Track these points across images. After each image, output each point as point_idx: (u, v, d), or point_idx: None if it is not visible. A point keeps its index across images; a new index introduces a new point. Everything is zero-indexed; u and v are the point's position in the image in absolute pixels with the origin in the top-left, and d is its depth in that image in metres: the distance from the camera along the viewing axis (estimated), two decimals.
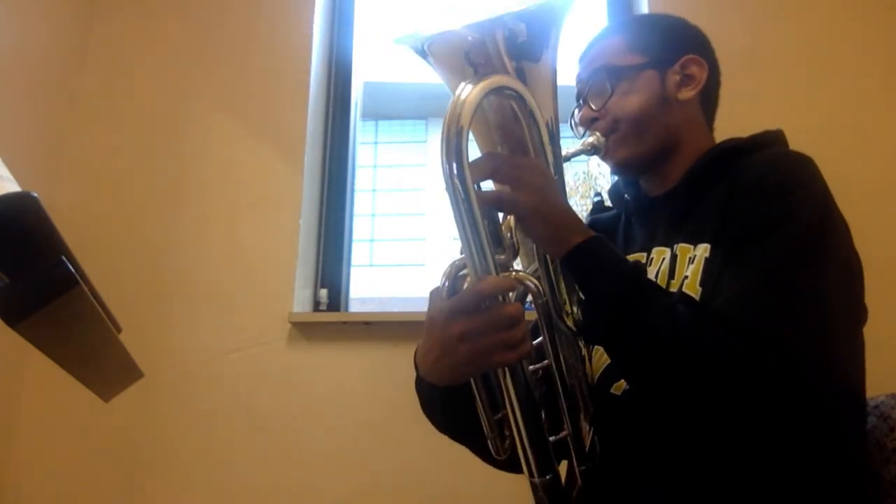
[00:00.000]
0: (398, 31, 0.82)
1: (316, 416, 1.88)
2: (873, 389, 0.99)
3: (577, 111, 1.00)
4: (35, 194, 0.44)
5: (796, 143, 0.90)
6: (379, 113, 5.41)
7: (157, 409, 1.90)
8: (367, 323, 1.95)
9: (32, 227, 0.44)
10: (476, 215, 0.66)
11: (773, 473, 0.76)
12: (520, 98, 0.72)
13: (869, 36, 2.04)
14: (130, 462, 1.90)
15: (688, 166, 0.94)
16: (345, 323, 1.97)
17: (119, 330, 0.51)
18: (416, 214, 5.57)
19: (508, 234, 0.76)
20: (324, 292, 2.10)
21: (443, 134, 0.65)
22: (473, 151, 0.69)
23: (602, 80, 0.96)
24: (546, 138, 0.76)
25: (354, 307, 2.19)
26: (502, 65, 0.73)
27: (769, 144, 0.92)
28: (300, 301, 2.00)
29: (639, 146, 0.95)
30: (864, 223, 1.81)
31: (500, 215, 0.77)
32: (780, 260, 0.75)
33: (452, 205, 0.66)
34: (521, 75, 0.74)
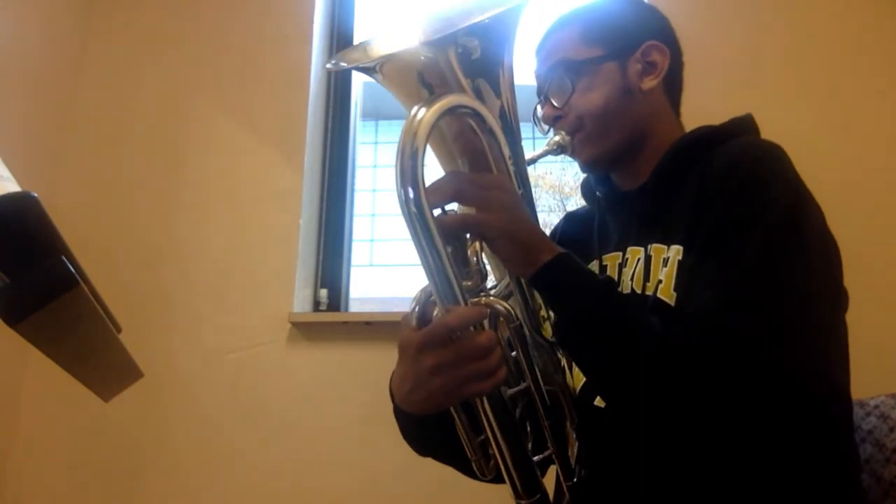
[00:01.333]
0: (347, 46, 0.81)
1: (316, 415, 1.88)
2: (873, 389, 0.99)
3: (538, 107, 0.97)
4: (35, 194, 0.44)
5: (790, 141, 0.88)
6: (379, 113, 5.41)
7: (157, 409, 1.90)
8: (367, 323, 1.95)
9: (32, 227, 0.44)
10: (437, 244, 0.63)
11: (759, 481, 0.74)
12: (477, 115, 0.70)
13: (861, 31, 2.03)
14: (130, 462, 1.90)
15: (657, 159, 0.91)
16: (345, 323, 1.97)
17: (119, 330, 0.51)
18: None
19: (474, 259, 0.73)
20: (324, 292, 2.10)
21: (396, 158, 0.62)
22: (434, 171, 0.67)
23: (561, 76, 0.93)
24: (507, 151, 0.74)
25: (354, 307, 2.19)
26: (458, 83, 0.71)
27: (738, 132, 0.89)
28: (300, 301, 2.00)
29: (606, 142, 0.93)
30: (862, 223, 1.81)
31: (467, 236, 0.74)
32: (754, 260, 0.73)
33: (411, 233, 0.63)
34: (476, 89, 0.72)
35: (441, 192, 0.68)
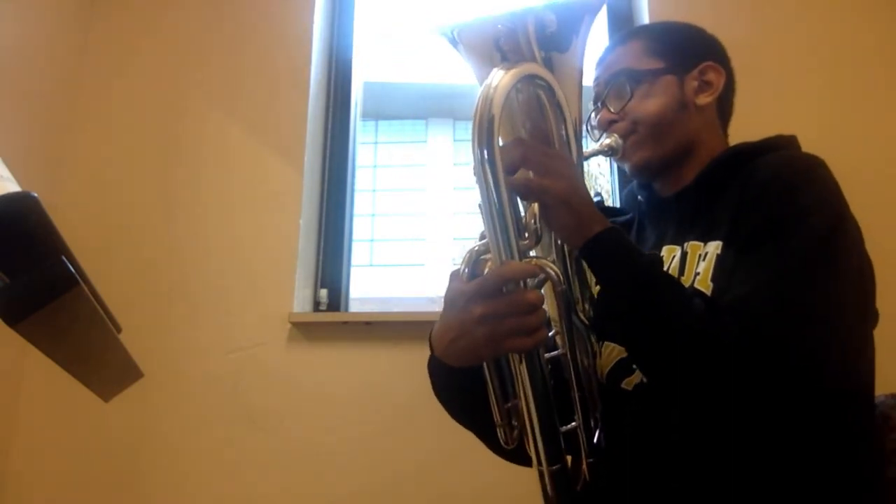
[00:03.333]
0: (414, 26, 0.83)
1: (316, 416, 1.88)
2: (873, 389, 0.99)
3: (594, 114, 1.01)
4: (35, 194, 0.44)
5: (807, 145, 0.91)
6: (379, 113, 5.40)
7: (156, 409, 1.90)
8: (367, 323, 1.95)
9: (32, 227, 0.44)
10: (504, 201, 0.67)
11: (781, 472, 0.76)
12: (549, 88, 0.73)
13: (881, 37, 2.03)
14: (130, 462, 1.90)
15: (701, 168, 0.95)
16: (345, 323, 1.97)
17: (119, 330, 0.51)
18: (416, 214, 5.57)
19: (532, 221, 0.76)
20: (324, 292, 2.10)
21: (474, 119, 0.66)
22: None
23: (622, 83, 0.97)
24: (571, 131, 0.77)
25: (354, 307, 2.19)
26: (532, 54, 0.74)
27: (782, 147, 0.93)
28: (300, 301, 2.00)
29: (656, 149, 0.96)
30: (871, 224, 1.81)
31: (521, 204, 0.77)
32: (793, 261, 0.75)
33: (481, 190, 0.67)
34: (548, 66, 0.75)
35: (509, 156, 0.71)
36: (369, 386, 1.89)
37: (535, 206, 0.76)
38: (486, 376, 0.77)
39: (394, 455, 1.80)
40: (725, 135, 1.04)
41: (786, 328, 0.70)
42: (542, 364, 0.74)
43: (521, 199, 0.76)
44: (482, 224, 0.70)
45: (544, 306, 0.71)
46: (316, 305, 2.09)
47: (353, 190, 2.27)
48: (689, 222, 0.92)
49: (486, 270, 0.72)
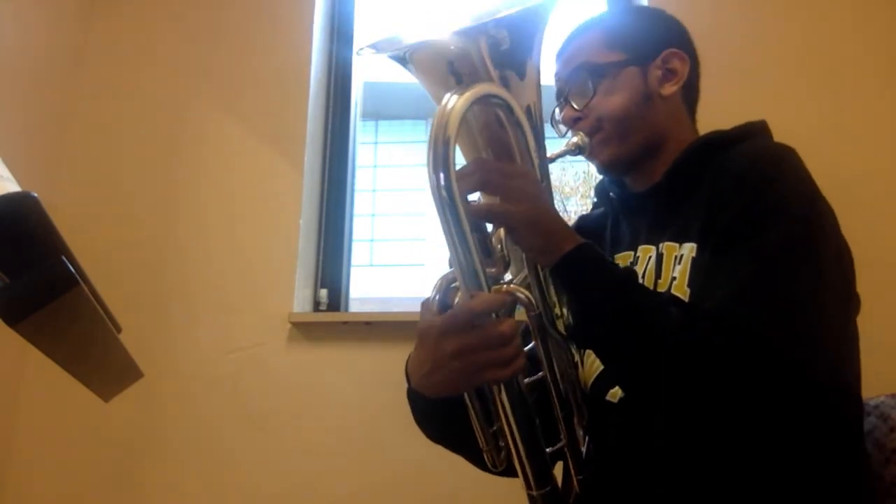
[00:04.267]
0: (377, 35, 0.82)
1: (316, 416, 1.88)
2: (873, 389, 0.99)
3: (558, 110, 0.99)
4: (35, 194, 0.44)
5: (794, 140, 0.89)
6: (379, 113, 5.40)
7: (156, 409, 1.90)
8: (367, 323, 1.95)
9: (32, 227, 0.44)
10: (465, 229, 0.65)
11: (770, 477, 0.75)
12: (506, 106, 0.71)
13: (868, 34, 2.03)
14: (130, 462, 1.90)
15: (671, 162, 0.92)
16: (345, 323, 1.97)
17: (119, 330, 0.51)
18: (416, 214, 5.57)
19: (499, 246, 0.74)
20: (324, 292, 2.10)
21: (429, 144, 0.64)
22: (459, 160, 0.68)
23: (583, 78, 0.94)
24: (532, 144, 0.75)
25: (354, 307, 2.19)
26: (487, 73, 0.72)
27: (752, 136, 0.91)
28: (300, 301, 2.00)
29: (624, 145, 0.94)
30: (865, 223, 1.81)
31: (489, 226, 0.75)
32: (771, 258, 0.73)
33: (440, 218, 0.65)
34: (504, 81, 0.73)
35: (467, 180, 0.69)
36: (369, 386, 1.89)
37: (501, 231, 0.74)
38: (467, 401, 0.76)
39: (394, 455, 1.80)
40: (693, 121, 1.01)
41: (770, 329, 0.69)
42: (523, 390, 0.73)
43: (486, 223, 0.74)
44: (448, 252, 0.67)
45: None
46: (316, 305, 2.09)
47: (353, 190, 2.26)
48: (662, 220, 0.90)
49: (456, 299, 0.70)
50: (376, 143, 5.77)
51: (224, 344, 1.94)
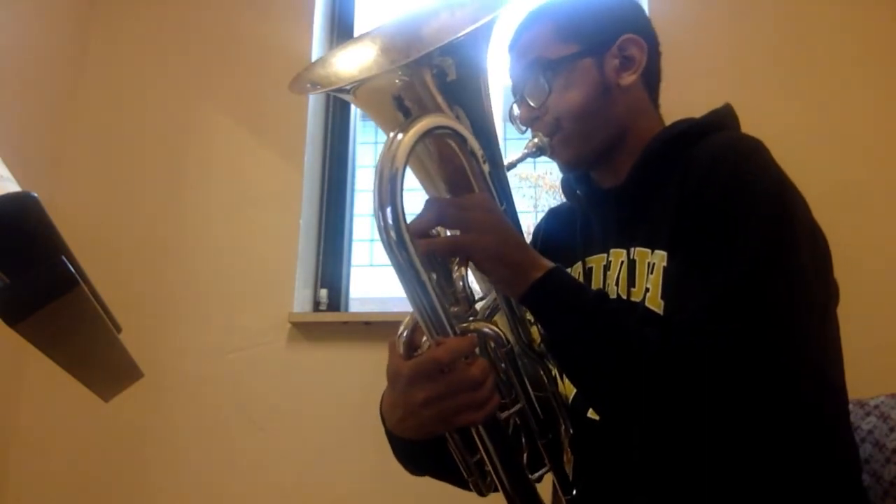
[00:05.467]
0: (307, 71, 0.78)
1: (316, 416, 1.88)
2: (873, 389, 0.99)
3: (515, 106, 0.94)
4: (35, 194, 0.44)
5: (779, 140, 0.87)
6: None
7: (157, 409, 1.90)
8: (367, 323, 1.95)
9: (32, 227, 0.44)
10: (420, 272, 0.61)
11: (757, 482, 0.74)
12: (456, 135, 0.68)
13: (854, 30, 2.02)
14: (130, 462, 1.90)
15: (637, 154, 0.88)
16: (345, 323, 1.97)
17: (119, 330, 0.51)
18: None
19: (461, 284, 0.71)
20: (324, 292, 2.10)
21: (374, 183, 0.60)
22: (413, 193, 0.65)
23: (537, 76, 0.89)
24: (487, 169, 0.72)
25: (354, 307, 2.19)
26: (433, 102, 0.70)
27: (718, 126, 0.87)
28: (300, 301, 2.00)
29: (585, 143, 0.90)
30: (863, 224, 1.81)
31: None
32: (744, 261, 0.71)
33: (391, 260, 0.61)
34: (455, 102, 0.71)
35: (424, 220, 0.68)
36: (369, 386, 1.87)
37: (461, 268, 0.71)
38: (447, 436, 0.74)
39: (393, 455, 1.80)
40: (656, 107, 0.96)
41: (748, 338, 0.67)
42: (501, 425, 0.71)
43: (447, 258, 0.71)
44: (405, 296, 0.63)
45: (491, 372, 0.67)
46: (316, 305, 2.09)
47: (353, 190, 2.26)
48: (631, 219, 0.87)
49: (423, 341, 0.68)
50: (376, 143, 5.76)
51: (224, 344, 1.94)
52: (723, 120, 0.89)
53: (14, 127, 1.93)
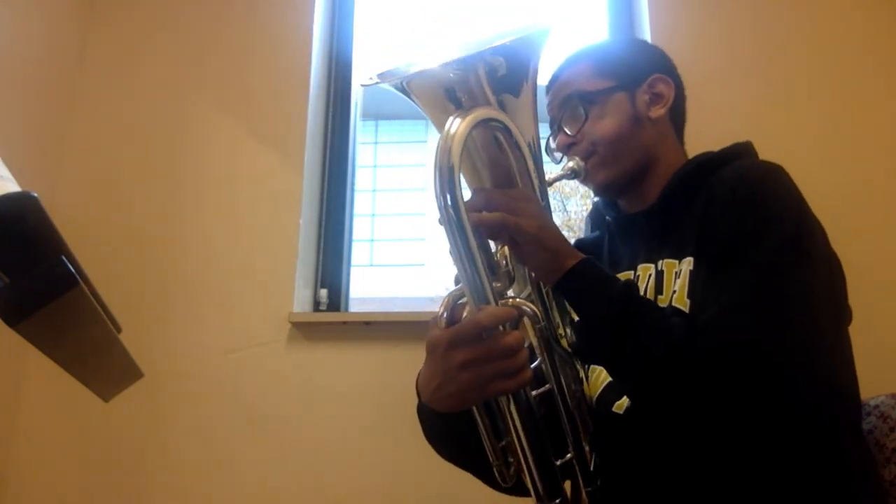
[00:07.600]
0: (381, 65, 0.83)
1: (316, 416, 1.88)
2: (873, 389, 0.99)
3: (552, 139, 1.03)
4: (35, 194, 0.44)
5: (795, 150, 0.90)
6: (379, 113, 5.41)
7: (157, 409, 1.90)
8: (367, 323, 1.95)
9: (32, 227, 0.44)
10: (472, 246, 0.68)
11: (773, 485, 0.76)
12: (505, 129, 0.74)
13: (870, 39, 2.03)
14: (130, 462, 1.90)
15: (663, 183, 0.97)
16: (345, 323, 1.97)
17: (119, 330, 0.51)
18: (416, 214, 5.57)
19: (504, 262, 0.77)
20: (324, 292, 2.10)
21: (435, 168, 0.66)
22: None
23: (575, 105, 0.98)
24: (531, 165, 0.78)
25: (354, 307, 2.19)
26: (485, 98, 0.75)
27: (739, 156, 0.94)
28: (300, 301, 2.00)
29: (617, 167, 0.98)
30: (865, 226, 1.81)
31: (493, 246, 0.78)
32: (764, 271, 0.76)
33: (449, 236, 0.68)
34: (502, 105, 0.76)
35: (473, 202, 0.74)
36: (369, 386, 1.89)
37: (506, 248, 0.77)
38: (476, 418, 0.77)
39: (394, 455, 1.80)
40: (682, 143, 1.05)
41: (767, 338, 0.72)
42: (531, 402, 0.75)
43: (491, 240, 0.77)
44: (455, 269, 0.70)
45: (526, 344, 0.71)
46: (316, 305, 2.09)
47: (353, 190, 2.27)
48: (659, 239, 0.94)
49: (464, 314, 0.73)
50: (376, 143, 5.78)
51: (224, 344, 1.94)
52: (744, 151, 0.97)
53: (14, 127, 1.93)
